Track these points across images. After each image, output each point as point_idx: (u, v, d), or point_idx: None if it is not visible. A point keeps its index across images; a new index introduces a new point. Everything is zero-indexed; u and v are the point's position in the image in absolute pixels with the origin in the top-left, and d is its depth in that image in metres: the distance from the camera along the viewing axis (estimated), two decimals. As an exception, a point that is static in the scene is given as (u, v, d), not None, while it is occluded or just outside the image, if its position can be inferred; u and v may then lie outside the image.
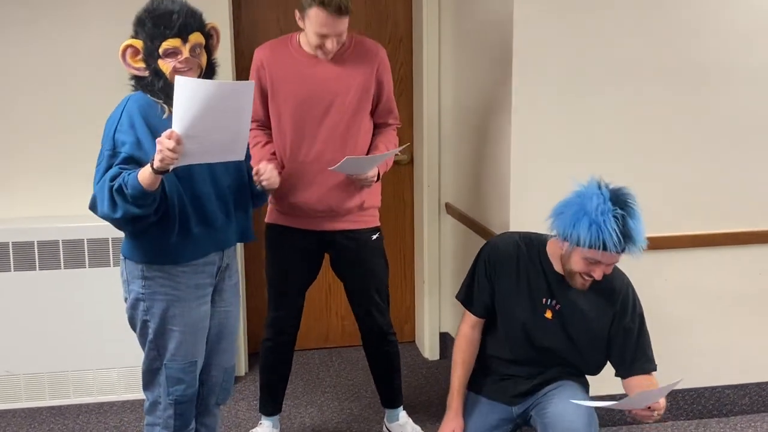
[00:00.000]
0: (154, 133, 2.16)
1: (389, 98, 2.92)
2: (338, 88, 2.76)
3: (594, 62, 3.00)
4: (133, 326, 2.38)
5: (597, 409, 2.38)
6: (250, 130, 2.74)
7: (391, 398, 3.18)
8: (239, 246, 3.69)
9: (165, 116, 2.23)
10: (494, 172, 3.23)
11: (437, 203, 3.94)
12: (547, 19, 2.94)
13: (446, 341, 4.01)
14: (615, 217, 2.20)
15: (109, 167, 2.15)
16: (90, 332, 3.41)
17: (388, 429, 3.22)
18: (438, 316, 4.06)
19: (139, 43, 2.21)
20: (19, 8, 3.38)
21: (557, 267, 2.43)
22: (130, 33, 2.24)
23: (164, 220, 2.21)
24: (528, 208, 2.79)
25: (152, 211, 2.15)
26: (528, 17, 2.92)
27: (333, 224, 2.87)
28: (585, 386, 2.55)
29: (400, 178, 4.04)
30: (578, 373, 2.53)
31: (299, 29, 2.77)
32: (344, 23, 2.66)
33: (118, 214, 2.11)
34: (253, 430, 3.15)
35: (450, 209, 3.87)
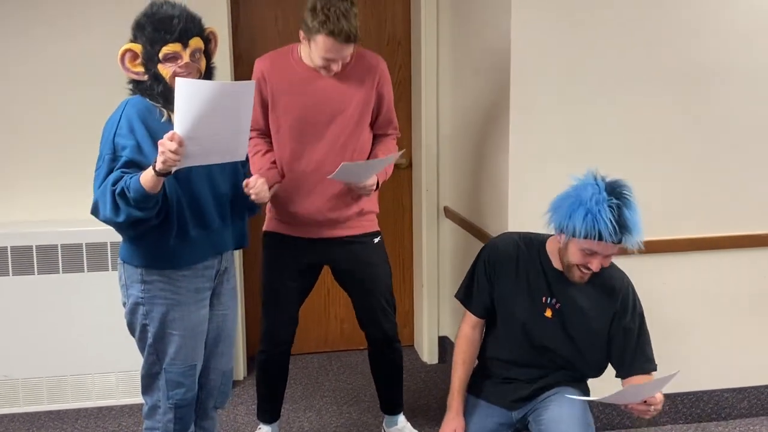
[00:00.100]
0: (154, 137, 2.16)
1: (389, 110, 2.92)
2: (339, 103, 2.76)
3: (592, 65, 3.00)
4: (132, 331, 2.37)
5: (595, 409, 2.38)
6: (250, 138, 2.75)
7: (392, 404, 3.18)
8: (238, 251, 3.69)
9: (164, 119, 2.23)
10: (493, 175, 3.23)
11: (436, 207, 3.94)
12: (545, 22, 2.94)
13: (445, 345, 4.01)
14: (610, 206, 2.21)
15: (110, 171, 2.14)
16: (89, 336, 3.41)
17: (386, 433, 3.22)
18: (437, 320, 4.06)
19: (138, 48, 2.20)
20: (19, 13, 3.38)
21: (557, 264, 2.43)
22: (129, 36, 2.24)
23: (163, 223, 2.22)
24: (526, 212, 2.79)
25: (154, 213, 2.15)
26: (526, 20, 2.93)
27: (332, 231, 2.86)
28: (585, 392, 2.54)
29: (399, 182, 4.04)
30: (579, 377, 2.52)
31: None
32: (351, 48, 2.64)
33: (121, 218, 2.11)
34: (252, 434, 3.16)
35: (449, 213, 3.87)
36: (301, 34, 2.67)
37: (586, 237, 2.23)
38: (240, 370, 3.83)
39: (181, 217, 2.25)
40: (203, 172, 2.29)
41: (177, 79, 1.99)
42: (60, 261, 3.34)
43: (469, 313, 2.56)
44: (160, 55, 2.18)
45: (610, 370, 2.51)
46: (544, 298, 2.44)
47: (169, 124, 2.20)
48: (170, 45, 2.18)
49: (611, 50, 3.00)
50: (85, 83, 3.43)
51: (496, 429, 2.51)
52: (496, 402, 2.52)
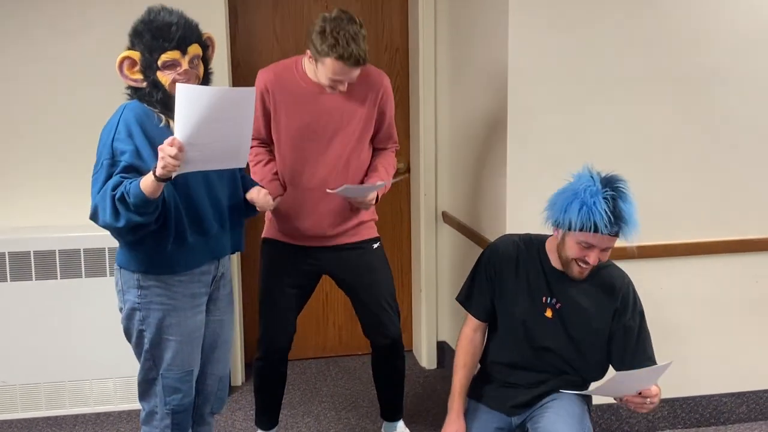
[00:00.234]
0: (152, 142, 2.17)
1: (390, 125, 2.93)
2: (342, 118, 2.76)
3: (590, 70, 3.01)
4: (128, 336, 2.37)
5: (593, 413, 2.37)
6: (252, 147, 2.76)
7: (392, 411, 3.17)
8: (236, 256, 3.69)
9: (162, 124, 2.23)
10: (491, 180, 3.23)
11: (434, 212, 3.94)
12: (543, 28, 2.95)
13: (444, 350, 4.01)
14: (605, 198, 2.22)
15: (109, 176, 2.14)
16: (87, 342, 3.40)
17: (385, 439, 3.22)
18: (435, 325, 4.06)
19: (136, 55, 2.20)
20: (18, 15, 3.38)
21: (556, 264, 2.43)
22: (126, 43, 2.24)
23: (160, 229, 2.21)
24: (524, 217, 2.79)
25: (154, 218, 2.15)
26: (523, 26, 2.93)
27: (332, 241, 2.87)
28: (585, 397, 2.52)
29: (397, 188, 4.04)
30: (580, 383, 2.51)
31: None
32: (359, 70, 2.64)
33: (121, 223, 2.11)
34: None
35: (447, 218, 3.87)
36: (308, 54, 2.67)
37: (581, 229, 2.24)
38: (238, 376, 3.82)
39: (178, 223, 2.25)
40: (201, 179, 2.29)
41: (177, 84, 1.99)
42: (58, 267, 3.34)
43: (470, 316, 2.56)
44: (159, 63, 2.18)
45: (611, 373, 2.51)
46: (544, 298, 2.44)
47: (167, 128, 2.21)
48: (169, 52, 2.18)
49: (609, 55, 3.01)
50: (84, 87, 3.43)
51: None
52: (495, 407, 2.52)
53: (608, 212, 2.21)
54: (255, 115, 2.68)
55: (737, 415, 3.39)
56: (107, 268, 3.35)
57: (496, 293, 2.50)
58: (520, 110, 2.99)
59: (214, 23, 3.44)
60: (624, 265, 2.53)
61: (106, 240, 3.19)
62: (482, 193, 3.36)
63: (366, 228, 2.93)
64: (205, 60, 2.31)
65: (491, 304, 2.52)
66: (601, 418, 3.25)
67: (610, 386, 2.23)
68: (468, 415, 2.53)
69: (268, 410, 3.09)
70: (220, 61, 3.42)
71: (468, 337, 2.55)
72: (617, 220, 2.23)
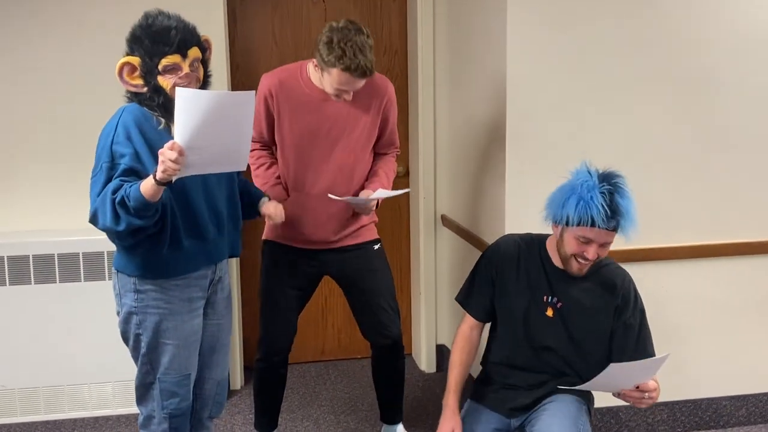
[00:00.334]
0: (151, 145, 2.16)
1: (393, 131, 2.94)
2: (346, 125, 2.76)
3: (589, 74, 3.00)
4: (125, 340, 2.37)
5: (593, 417, 2.36)
6: (254, 150, 2.76)
7: (392, 413, 3.17)
8: (235, 259, 3.69)
9: (161, 127, 2.22)
10: (490, 184, 3.23)
11: (433, 215, 3.94)
12: (542, 29, 2.95)
13: (443, 354, 4.00)
14: (602, 193, 2.23)
15: (109, 179, 2.13)
16: (85, 346, 3.40)
17: (384, 443, 3.22)
18: (434, 329, 4.05)
19: (135, 60, 2.19)
20: (17, 21, 3.39)
21: (557, 262, 2.43)
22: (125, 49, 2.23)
23: (156, 232, 2.21)
24: (523, 220, 2.79)
25: (153, 222, 2.15)
26: (522, 27, 2.93)
27: (333, 244, 2.88)
28: (585, 399, 2.51)
29: (395, 189, 4.03)
30: (579, 384, 2.51)
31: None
32: (365, 80, 2.64)
33: (122, 227, 2.10)
34: (249, 444, 3.15)
35: (446, 221, 3.87)
36: (314, 62, 2.66)
37: (579, 224, 2.25)
38: (237, 380, 3.82)
39: (174, 227, 2.24)
40: (200, 183, 2.28)
41: (177, 88, 1.98)
42: (57, 270, 3.34)
43: (468, 315, 2.56)
44: (160, 67, 2.18)
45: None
46: (545, 297, 2.44)
47: (167, 131, 2.21)
48: (170, 57, 2.17)
49: (608, 58, 3.01)
50: (83, 92, 3.43)
51: None
52: (495, 408, 2.51)
53: (605, 206, 2.22)
54: (258, 118, 2.70)
55: (737, 418, 3.39)
56: (106, 272, 3.35)
57: (497, 293, 2.50)
58: (518, 113, 2.98)
59: (213, 27, 3.44)
60: (627, 268, 2.53)
61: (105, 244, 3.18)
62: (481, 196, 3.36)
63: (367, 230, 2.94)
64: (204, 63, 2.31)
65: (491, 304, 2.52)
66: (600, 421, 3.25)
67: (606, 379, 2.20)
68: (468, 416, 2.53)
69: (267, 413, 3.08)
70: (219, 65, 3.42)
71: (465, 334, 2.55)
72: (614, 214, 2.24)
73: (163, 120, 2.22)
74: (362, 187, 2.86)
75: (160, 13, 2.20)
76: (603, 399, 2.72)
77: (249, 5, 3.78)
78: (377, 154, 2.95)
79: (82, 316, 3.37)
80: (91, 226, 2.19)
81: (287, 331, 2.96)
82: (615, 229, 2.27)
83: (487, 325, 2.60)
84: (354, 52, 2.52)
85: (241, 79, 3.78)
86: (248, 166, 2.40)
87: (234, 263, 3.72)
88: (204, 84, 2.31)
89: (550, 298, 2.44)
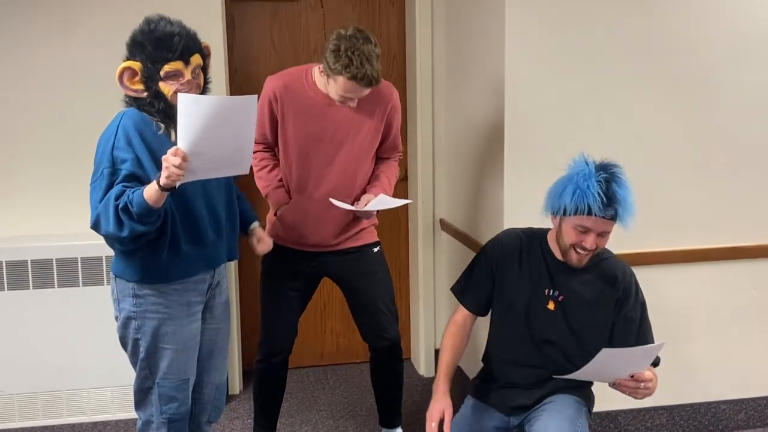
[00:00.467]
0: (151, 150, 2.16)
1: (396, 136, 2.94)
2: (350, 131, 2.76)
3: (588, 76, 3.01)
4: (124, 345, 2.37)
5: (592, 422, 2.35)
6: (256, 152, 2.76)
7: (391, 416, 3.17)
8: (234, 263, 3.68)
9: (160, 132, 2.22)
10: (488, 188, 3.23)
11: (431, 219, 3.94)
12: (541, 30, 2.95)
13: (442, 358, 3.99)
14: (599, 181, 2.25)
15: (110, 185, 2.13)
16: (84, 351, 3.39)
17: (383, 447, 3.21)
18: (433, 333, 4.05)
19: (137, 65, 2.18)
20: (17, 26, 3.39)
21: (558, 255, 2.43)
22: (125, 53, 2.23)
23: (156, 237, 2.21)
24: (522, 223, 2.79)
25: (156, 227, 2.15)
26: (521, 28, 2.94)
27: (334, 246, 2.88)
28: (585, 400, 2.50)
29: (395, 194, 4.02)
30: (581, 384, 2.50)
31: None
32: (370, 88, 2.64)
33: (125, 233, 2.10)
34: (248, 448, 3.14)
35: (444, 225, 3.87)
36: (320, 68, 2.66)
37: (576, 212, 2.26)
38: (236, 385, 3.81)
39: (173, 231, 2.24)
40: (199, 187, 2.28)
41: (179, 94, 1.98)
42: (55, 275, 3.33)
43: (461, 306, 2.56)
44: (162, 73, 2.17)
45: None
46: (546, 291, 2.44)
47: (166, 136, 2.21)
48: (172, 63, 2.17)
49: (607, 58, 3.01)
50: (82, 96, 3.43)
51: None
52: (495, 406, 2.51)
53: (601, 194, 2.23)
54: (262, 120, 2.71)
55: (736, 422, 3.39)
56: (104, 277, 3.35)
57: (497, 287, 2.50)
58: (517, 116, 2.99)
59: (212, 32, 3.45)
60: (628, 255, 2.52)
61: (104, 249, 3.16)
62: (480, 200, 3.36)
63: (367, 233, 2.95)
64: (204, 69, 2.31)
65: (487, 298, 2.52)
66: (599, 425, 3.24)
67: (599, 365, 2.19)
68: (467, 411, 2.53)
69: (266, 416, 3.08)
70: (218, 70, 3.42)
71: (457, 322, 2.55)
72: (611, 203, 2.24)
73: (162, 125, 2.22)
74: (364, 191, 2.86)
75: (162, 18, 2.20)
76: (602, 403, 2.72)
77: (247, 10, 3.78)
78: (380, 158, 2.95)
79: (80, 321, 3.36)
80: (90, 230, 2.19)
81: (288, 332, 2.96)
82: (613, 218, 2.28)
83: (487, 323, 2.60)
84: (361, 61, 2.52)
85: (240, 84, 3.78)
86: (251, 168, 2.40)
87: (233, 268, 3.71)
88: (203, 90, 2.31)
89: (551, 291, 2.44)
